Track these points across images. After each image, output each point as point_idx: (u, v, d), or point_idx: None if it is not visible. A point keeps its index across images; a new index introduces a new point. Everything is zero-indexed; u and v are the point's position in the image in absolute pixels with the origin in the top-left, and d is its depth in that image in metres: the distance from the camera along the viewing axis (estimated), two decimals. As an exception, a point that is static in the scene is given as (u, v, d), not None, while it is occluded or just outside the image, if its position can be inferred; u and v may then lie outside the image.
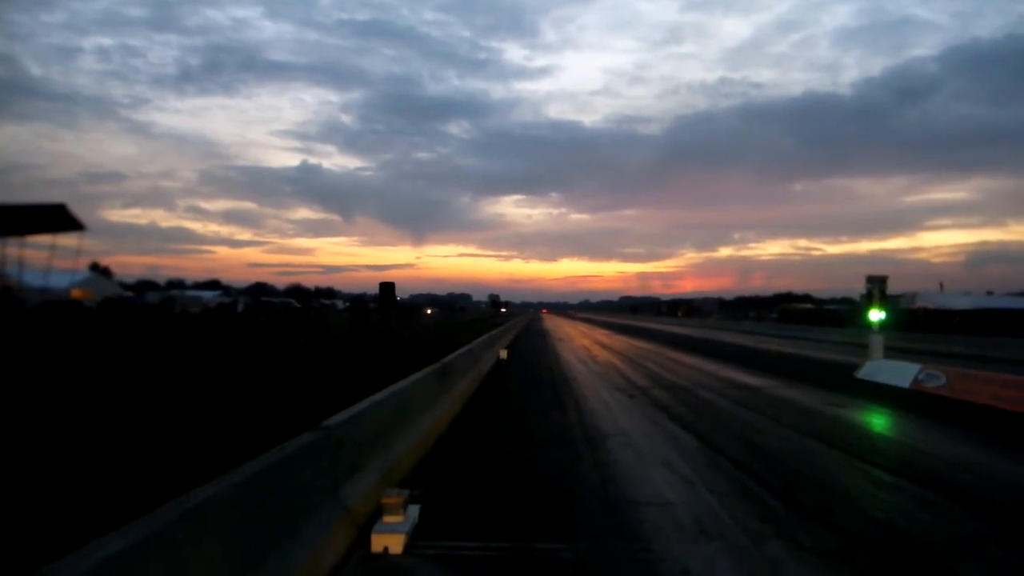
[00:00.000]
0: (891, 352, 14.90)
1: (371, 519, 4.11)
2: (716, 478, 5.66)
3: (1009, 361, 17.81)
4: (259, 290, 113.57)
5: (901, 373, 12.63)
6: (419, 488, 4.93)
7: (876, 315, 14.42)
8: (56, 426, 7.01)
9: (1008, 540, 4.24)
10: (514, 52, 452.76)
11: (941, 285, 70.69)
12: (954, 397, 10.66)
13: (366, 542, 3.88)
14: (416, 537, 4.06)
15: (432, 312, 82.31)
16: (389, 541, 3.88)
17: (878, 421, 9.07)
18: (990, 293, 70.86)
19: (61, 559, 1.96)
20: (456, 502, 4.90)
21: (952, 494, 5.23)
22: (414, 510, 4.32)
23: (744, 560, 3.81)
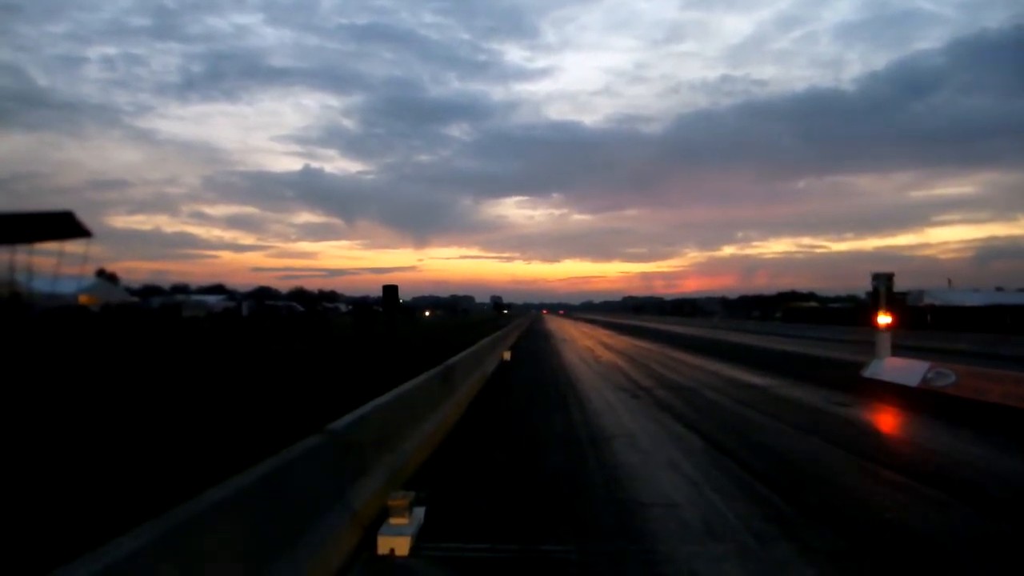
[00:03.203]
0: (898, 350, 14.80)
1: (377, 521, 4.11)
2: (722, 479, 5.64)
3: (1020, 359, 17.67)
4: (263, 294, 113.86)
5: (909, 371, 12.54)
6: (424, 490, 4.93)
7: (882, 313, 14.33)
8: (65, 429, 7.05)
9: (1020, 540, 4.20)
10: (514, 53, 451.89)
11: (949, 281, 70.40)
12: (964, 396, 10.57)
13: (372, 544, 3.89)
14: (422, 539, 4.06)
15: (431, 314, 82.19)
16: (395, 543, 3.88)
17: (885, 420, 9.02)
18: (1000, 289, 70.41)
19: (71, 562, 1.97)
20: (462, 504, 4.90)
21: (963, 494, 5.18)
22: (420, 512, 4.32)
23: (752, 562, 3.78)
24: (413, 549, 3.90)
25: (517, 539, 4.15)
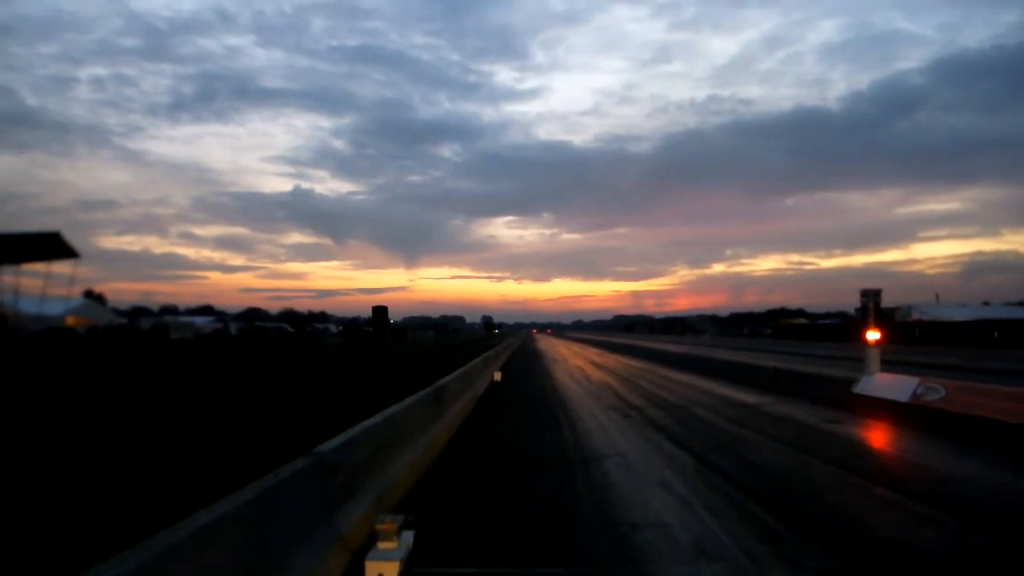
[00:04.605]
0: (888, 366, 14.88)
1: (365, 546, 4.04)
2: (714, 498, 5.61)
3: (1009, 372, 17.81)
4: (252, 315, 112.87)
5: (899, 387, 12.58)
6: (413, 514, 4.86)
7: (871, 328, 14.44)
8: (47, 453, 6.89)
9: (1015, 558, 4.19)
10: (504, 74, 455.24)
11: (937, 296, 71.30)
12: (954, 411, 10.58)
13: (360, 569, 3.81)
14: (411, 563, 3.99)
15: (416, 335, 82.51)
16: (383, 568, 3.81)
17: (877, 437, 9.04)
18: (987, 303, 71.47)
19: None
20: (451, 527, 4.84)
21: (956, 511, 5.17)
22: (408, 536, 4.24)
23: (744, 582, 3.75)
24: (402, 574, 3.83)
25: (507, 562, 4.09)
